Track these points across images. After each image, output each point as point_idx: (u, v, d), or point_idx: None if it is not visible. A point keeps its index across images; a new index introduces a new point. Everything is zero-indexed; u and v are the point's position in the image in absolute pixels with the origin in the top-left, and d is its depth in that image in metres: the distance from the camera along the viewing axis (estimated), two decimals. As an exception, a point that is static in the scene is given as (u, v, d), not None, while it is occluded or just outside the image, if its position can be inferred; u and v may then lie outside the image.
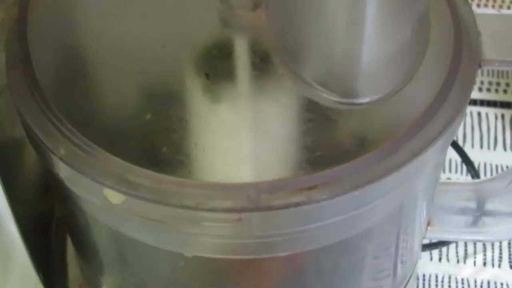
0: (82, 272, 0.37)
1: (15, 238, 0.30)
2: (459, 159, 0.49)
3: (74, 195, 0.28)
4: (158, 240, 0.28)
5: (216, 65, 0.29)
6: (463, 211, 0.38)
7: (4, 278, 0.31)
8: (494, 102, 0.52)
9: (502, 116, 0.51)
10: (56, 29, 0.30)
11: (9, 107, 0.29)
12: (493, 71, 0.53)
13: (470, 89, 0.29)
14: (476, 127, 0.50)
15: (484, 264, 0.45)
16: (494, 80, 0.53)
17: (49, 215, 0.40)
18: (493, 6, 0.56)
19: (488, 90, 0.52)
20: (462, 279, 0.44)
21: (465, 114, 0.48)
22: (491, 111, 0.51)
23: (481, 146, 0.50)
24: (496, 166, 0.49)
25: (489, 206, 0.37)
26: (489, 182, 0.39)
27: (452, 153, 0.49)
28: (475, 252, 0.45)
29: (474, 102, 0.51)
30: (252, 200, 0.25)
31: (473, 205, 0.38)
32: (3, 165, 0.30)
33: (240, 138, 0.28)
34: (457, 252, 0.45)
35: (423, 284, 0.44)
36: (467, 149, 0.49)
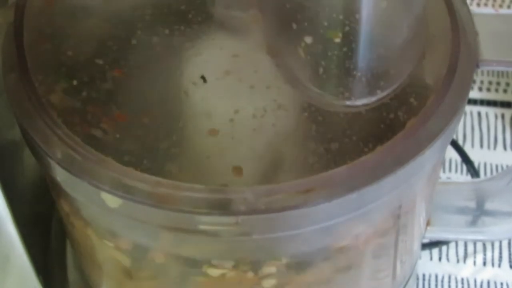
0: (82, 275, 0.37)
1: (15, 240, 0.30)
2: (459, 159, 0.49)
3: (72, 198, 0.29)
4: (155, 243, 0.28)
5: (211, 67, 0.29)
6: (462, 211, 0.38)
7: (4, 281, 0.31)
8: (494, 102, 0.52)
9: (502, 116, 0.51)
10: (52, 33, 0.30)
11: (7, 108, 0.29)
12: (493, 70, 0.53)
13: (467, 89, 0.29)
14: (476, 127, 0.50)
15: (484, 263, 0.44)
16: (494, 79, 0.53)
17: (49, 217, 0.40)
18: (493, 6, 0.55)
19: (488, 89, 0.52)
20: (462, 279, 0.44)
21: (464, 114, 0.48)
22: (491, 111, 0.51)
23: (481, 146, 0.50)
24: (496, 166, 0.49)
25: (488, 205, 0.37)
26: (488, 181, 0.39)
27: (452, 153, 0.49)
28: (475, 252, 0.45)
29: (474, 102, 0.51)
30: (249, 203, 0.25)
31: (472, 204, 0.38)
32: (3, 166, 0.31)
33: (237, 141, 0.28)
34: (457, 252, 0.45)
35: (423, 284, 0.44)
36: (467, 148, 0.49)
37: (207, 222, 0.25)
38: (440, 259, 0.45)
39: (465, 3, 0.31)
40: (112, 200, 0.26)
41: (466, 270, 0.44)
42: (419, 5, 0.32)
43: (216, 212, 0.25)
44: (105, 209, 0.26)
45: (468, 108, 0.51)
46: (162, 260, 0.29)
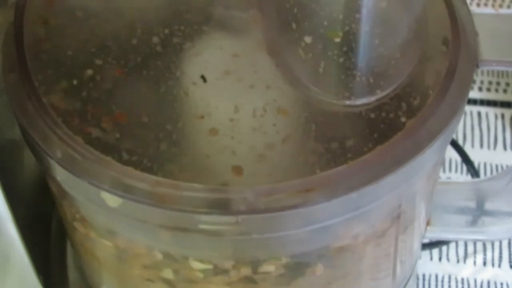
0: (82, 275, 0.37)
1: (15, 240, 0.30)
2: (459, 159, 0.49)
3: (72, 198, 0.29)
4: (155, 242, 0.28)
5: (211, 67, 0.29)
6: (462, 211, 0.38)
7: (4, 281, 0.31)
8: (494, 102, 0.52)
9: (502, 116, 0.51)
10: (52, 33, 0.30)
11: (8, 108, 0.29)
12: (493, 70, 0.53)
13: (467, 89, 0.29)
14: (476, 127, 0.50)
15: (484, 263, 0.45)
16: (494, 79, 0.53)
17: (49, 217, 0.40)
18: (493, 6, 0.55)
19: (488, 89, 0.52)
20: (462, 279, 0.44)
21: (464, 114, 0.48)
22: (491, 111, 0.51)
23: (481, 146, 0.50)
24: (496, 166, 0.49)
25: (488, 205, 0.37)
26: (488, 181, 0.39)
27: (452, 153, 0.49)
28: (475, 252, 0.45)
29: (474, 102, 0.51)
30: (249, 202, 0.25)
31: (472, 204, 0.38)
32: (3, 166, 0.31)
33: (237, 141, 0.28)
34: (457, 252, 0.45)
35: (423, 284, 0.44)
36: (467, 148, 0.49)
37: (207, 221, 0.26)
38: (440, 259, 0.45)
39: (465, 3, 0.31)
40: (112, 200, 0.26)
41: (466, 270, 0.44)
42: (419, 5, 0.32)
43: (216, 212, 0.25)
44: (105, 209, 0.26)
45: (468, 108, 0.51)
46: (161, 259, 0.29)
